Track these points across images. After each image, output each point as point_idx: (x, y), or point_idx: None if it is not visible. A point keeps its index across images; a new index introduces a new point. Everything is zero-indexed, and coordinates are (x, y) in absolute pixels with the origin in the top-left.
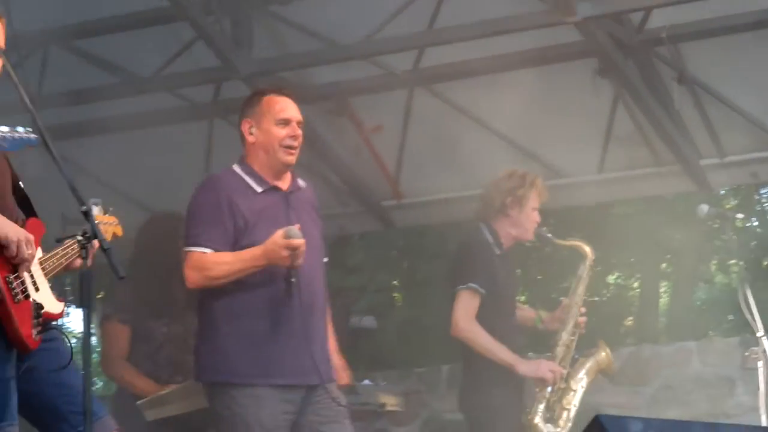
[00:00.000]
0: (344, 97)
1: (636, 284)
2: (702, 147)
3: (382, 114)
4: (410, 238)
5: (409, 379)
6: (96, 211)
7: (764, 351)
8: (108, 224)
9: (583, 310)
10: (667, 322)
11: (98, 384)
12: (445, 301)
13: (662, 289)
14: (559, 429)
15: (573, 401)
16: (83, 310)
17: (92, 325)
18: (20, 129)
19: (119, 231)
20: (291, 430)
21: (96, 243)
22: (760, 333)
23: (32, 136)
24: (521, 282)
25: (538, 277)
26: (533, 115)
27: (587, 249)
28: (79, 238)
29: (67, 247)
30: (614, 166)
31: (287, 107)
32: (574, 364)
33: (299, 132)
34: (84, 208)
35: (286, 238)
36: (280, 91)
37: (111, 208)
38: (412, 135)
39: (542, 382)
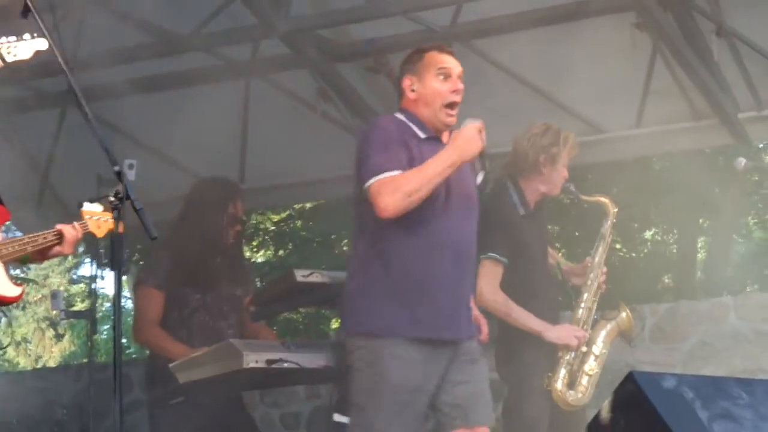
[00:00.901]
0: (382, 53)
1: (673, 240)
2: (741, 100)
3: None
4: None
5: None
6: (91, 207)
7: None
8: (102, 219)
9: (604, 269)
10: (704, 277)
11: (130, 349)
12: None
13: (700, 245)
14: (580, 395)
15: (595, 367)
16: (114, 273)
17: (125, 290)
18: (26, 36)
19: (113, 226)
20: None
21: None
22: None
23: (41, 39)
24: (559, 239)
25: (576, 234)
26: (571, 70)
27: (610, 205)
28: (111, 199)
29: (38, 235)
30: (652, 120)
31: (448, 61)
32: (594, 326)
33: (461, 86)
34: (117, 168)
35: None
36: (441, 48)
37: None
38: None
39: (567, 348)
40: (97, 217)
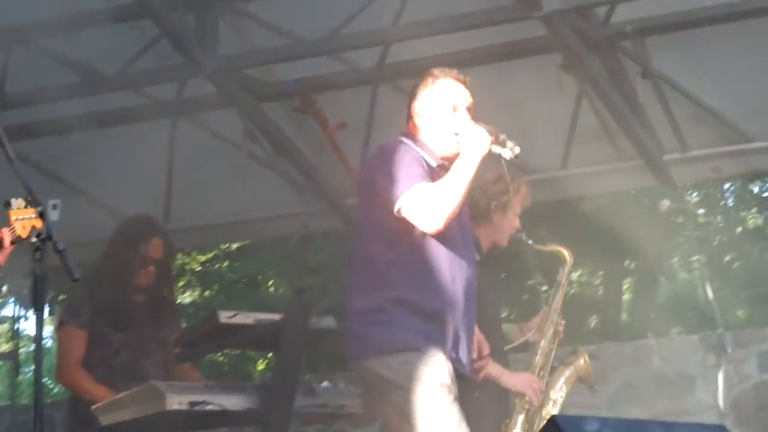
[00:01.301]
0: (309, 93)
1: (599, 281)
2: (666, 142)
3: (347, 111)
4: None
5: None
6: (16, 204)
7: (724, 348)
8: (25, 219)
9: (563, 321)
10: (629, 319)
11: (55, 390)
12: None
13: (625, 286)
14: None
15: (552, 411)
16: (36, 313)
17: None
18: None
19: (39, 224)
20: None
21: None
22: (720, 330)
23: None
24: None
25: (502, 275)
26: (497, 111)
27: (567, 254)
28: (33, 240)
29: None
30: (578, 161)
31: (459, 92)
32: (553, 373)
33: (468, 118)
34: (40, 208)
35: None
36: (455, 76)
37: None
38: (376, 132)
39: (522, 397)
40: (22, 216)
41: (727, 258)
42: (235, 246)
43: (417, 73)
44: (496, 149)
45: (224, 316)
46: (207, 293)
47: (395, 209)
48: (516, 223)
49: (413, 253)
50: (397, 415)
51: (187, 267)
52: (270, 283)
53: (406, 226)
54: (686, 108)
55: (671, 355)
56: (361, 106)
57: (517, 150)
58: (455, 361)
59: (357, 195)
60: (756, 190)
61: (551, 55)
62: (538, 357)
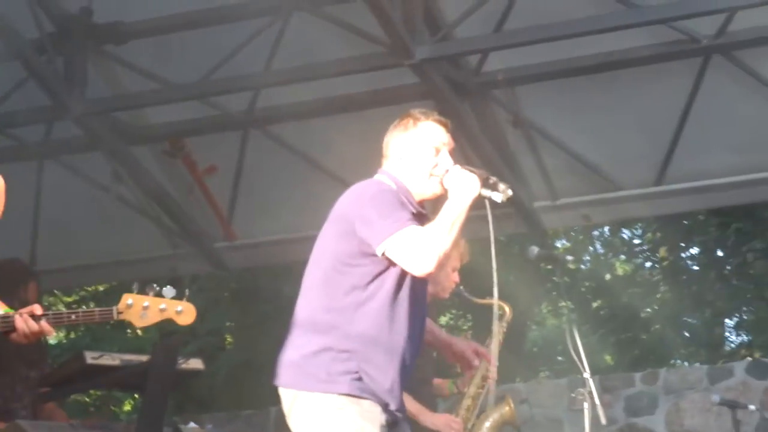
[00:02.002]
0: (178, 137)
1: (468, 326)
2: (536, 189)
3: (217, 155)
4: (243, 281)
5: (237, 421)
6: None
7: (590, 392)
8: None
9: (493, 368)
10: (498, 363)
11: None
12: (275, 344)
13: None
14: None
15: None
16: None
17: None
18: None
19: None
20: None
21: None
22: (586, 374)
23: None
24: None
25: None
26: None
27: (506, 308)
28: None
29: None
30: None
31: (441, 136)
32: (480, 416)
33: (450, 163)
34: None
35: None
36: (438, 119)
37: None
38: (246, 176)
39: None
40: None
41: (595, 304)
42: (102, 288)
43: (287, 118)
44: (486, 192)
45: (90, 357)
46: (73, 334)
47: (379, 250)
48: (455, 277)
49: (371, 296)
50: None
51: (53, 308)
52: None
53: (372, 267)
54: (556, 156)
55: (539, 398)
56: (230, 151)
57: (510, 192)
58: (389, 412)
59: (324, 230)
60: (626, 237)
61: (424, 101)
62: (465, 399)
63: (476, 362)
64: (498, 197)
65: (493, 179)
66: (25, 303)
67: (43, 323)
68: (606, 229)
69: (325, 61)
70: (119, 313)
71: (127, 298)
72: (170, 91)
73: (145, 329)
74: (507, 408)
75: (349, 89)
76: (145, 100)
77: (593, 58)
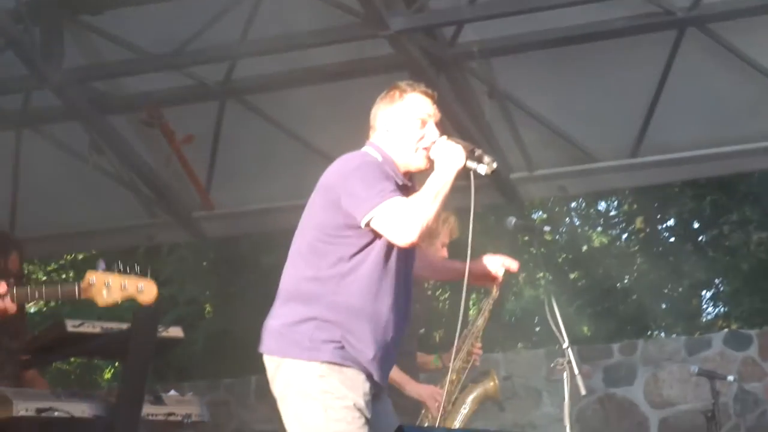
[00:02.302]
0: (156, 107)
1: (445, 296)
2: (513, 161)
3: (194, 124)
4: (222, 250)
5: (217, 389)
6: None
7: (569, 362)
8: None
9: (478, 344)
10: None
11: None
12: (255, 313)
13: (472, 302)
14: None
15: (455, 423)
16: None
17: None
18: None
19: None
20: None
21: None
22: (565, 344)
23: None
24: None
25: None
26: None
27: (494, 288)
28: None
29: None
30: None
31: (427, 107)
32: (463, 390)
33: (436, 134)
34: None
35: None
36: (424, 91)
37: None
38: (223, 146)
39: (427, 406)
40: None
41: (573, 276)
42: (81, 256)
43: (264, 88)
44: (472, 164)
45: (71, 325)
46: (52, 303)
47: (363, 221)
48: (444, 253)
49: (355, 267)
50: (296, 422)
51: (33, 276)
52: None
53: (357, 240)
54: (532, 127)
55: (518, 368)
56: (207, 121)
57: (495, 165)
58: (373, 381)
59: (311, 200)
60: (602, 208)
61: (399, 73)
62: (449, 374)
63: (500, 273)
64: (483, 169)
65: (478, 151)
66: (7, 274)
67: (7, 300)
68: (581, 200)
69: (300, 31)
70: (82, 290)
71: (90, 276)
72: (147, 61)
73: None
74: (491, 383)
75: (325, 60)
76: (122, 69)
77: (569, 29)
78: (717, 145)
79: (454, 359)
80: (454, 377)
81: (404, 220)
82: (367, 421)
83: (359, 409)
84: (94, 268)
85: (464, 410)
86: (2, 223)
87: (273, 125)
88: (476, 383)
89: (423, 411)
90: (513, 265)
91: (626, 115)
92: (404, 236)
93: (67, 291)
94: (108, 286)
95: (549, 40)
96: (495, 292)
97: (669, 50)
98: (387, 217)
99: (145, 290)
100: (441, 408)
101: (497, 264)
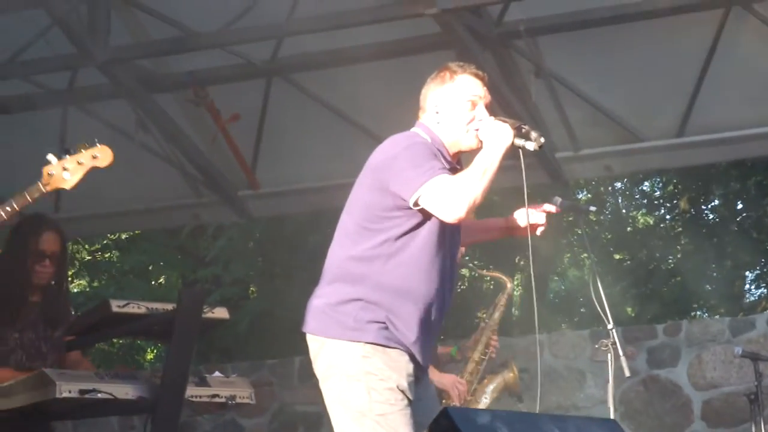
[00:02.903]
0: (202, 86)
1: (490, 276)
2: (558, 140)
3: (240, 103)
4: (267, 230)
5: (261, 370)
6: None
7: (614, 343)
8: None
9: (495, 337)
10: (520, 314)
11: None
12: (300, 293)
13: (516, 282)
14: None
15: None
16: None
17: None
18: None
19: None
20: None
21: None
22: (610, 326)
23: None
24: None
25: None
26: (391, 107)
27: (507, 280)
28: None
29: None
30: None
31: (478, 89)
32: (482, 380)
33: (486, 116)
34: None
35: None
36: (475, 73)
37: None
38: (269, 125)
39: (448, 395)
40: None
41: (617, 256)
42: (125, 236)
43: (310, 67)
44: (520, 142)
45: (116, 305)
46: (96, 283)
47: (412, 199)
48: (461, 248)
49: (402, 248)
50: (338, 403)
51: (77, 255)
52: (160, 274)
53: (405, 221)
54: (578, 107)
55: (561, 350)
56: (254, 99)
57: (542, 140)
58: (416, 363)
59: (359, 180)
60: (646, 189)
61: (445, 51)
62: (468, 364)
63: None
64: (531, 146)
65: (525, 128)
66: (39, 255)
67: None
68: (626, 181)
69: (347, 10)
70: (45, 185)
71: (47, 170)
72: (193, 39)
73: (169, 278)
74: (510, 374)
75: (371, 39)
76: (168, 47)
77: (615, 9)
78: (763, 125)
79: (474, 351)
80: (472, 368)
81: (452, 196)
82: (410, 403)
83: (402, 391)
84: (137, 249)
85: (485, 400)
86: (47, 202)
87: (319, 104)
88: (495, 374)
89: (444, 400)
90: (539, 219)
91: (672, 94)
92: (452, 212)
93: (33, 191)
94: (66, 169)
95: (595, 20)
96: (509, 287)
97: (715, 29)
98: (435, 193)
99: (101, 155)
100: (462, 397)
101: (523, 216)
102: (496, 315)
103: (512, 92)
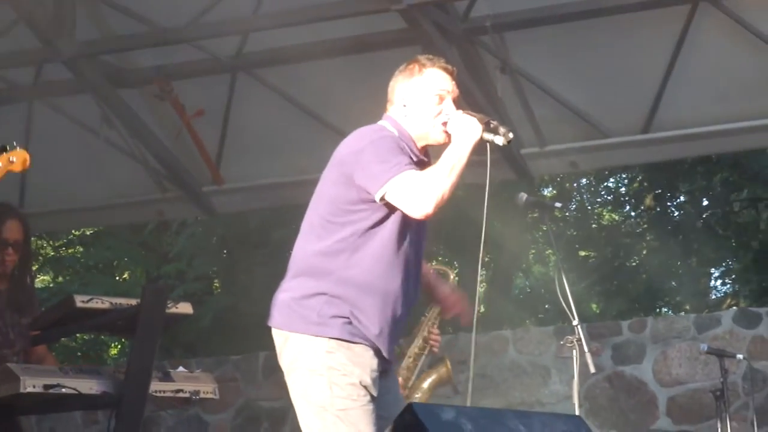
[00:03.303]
0: (167, 80)
1: (454, 273)
2: (524, 136)
3: (205, 99)
4: (231, 225)
5: (225, 366)
6: None
7: (579, 339)
8: None
9: (435, 330)
10: (484, 310)
11: None
12: (264, 288)
13: (480, 278)
14: None
15: None
16: None
17: None
18: None
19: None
20: None
21: None
22: (575, 322)
23: None
24: None
25: None
26: (356, 102)
27: (449, 273)
28: None
29: None
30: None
31: (446, 83)
32: (420, 375)
33: (453, 110)
34: None
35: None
36: (444, 66)
37: None
38: (234, 120)
39: None
40: None
41: (582, 253)
42: (89, 231)
43: (276, 62)
44: (488, 136)
45: (80, 300)
46: (60, 279)
47: (378, 194)
48: None
49: (366, 242)
50: (302, 397)
51: (41, 251)
52: (125, 269)
53: (370, 214)
54: (544, 103)
55: (526, 346)
56: (219, 94)
57: (510, 135)
58: (381, 357)
59: (325, 174)
60: (612, 186)
61: (411, 47)
62: (405, 359)
63: (456, 309)
64: (500, 140)
65: (494, 123)
66: (2, 243)
67: None
68: (591, 177)
69: (313, 5)
70: None
71: None
72: (159, 34)
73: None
74: (444, 368)
75: (337, 34)
76: (134, 42)
77: (582, 4)
78: (729, 121)
79: (410, 345)
80: (410, 363)
81: (420, 193)
82: (373, 399)
83: (365, 386)
84: (102, 244)
85: (417, 396)
86: (11, 196)
87: (284, 99)
88: (431, 369)
89: None
90: (460, 312)
91: (638, 90)
92: (420, 208)
93: None
94: None
95: (561, 15)
96: (451, 279)
97: (682, 25)
98: (402, 189)
99: (17, 159)
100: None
101: (453, 299)
102: (435, 311)
103: (478, 88)
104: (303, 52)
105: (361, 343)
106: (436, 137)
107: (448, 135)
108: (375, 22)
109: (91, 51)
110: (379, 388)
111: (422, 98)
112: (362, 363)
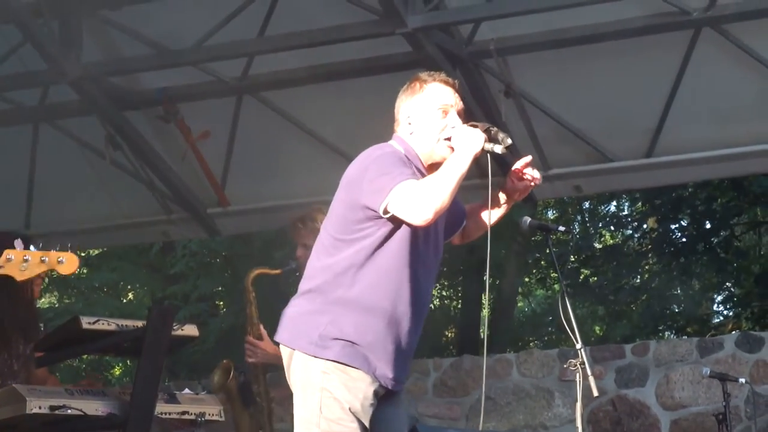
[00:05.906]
0: (172, 103)
1: (458, 295)
2: None
3: (210, 121)
4: (235, 246)
5: None
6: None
7: (582, 363)
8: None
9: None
10: (488, 333)
11: None
12: (267, 309)
13: (484, 301)
14: None
15: None
16: None
17: None
18: None
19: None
20: None
21: None
22: (579, 345)
23: None
24: None
25: None
26: (361, 125)
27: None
28: None
29: None
30: None
31: (449, 97)
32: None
33: (459, 124)
34: None
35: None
36: (445, 80)
37: None
38: (239, 142)
39: None
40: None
41: (584, 275)
42: (94, 252)
43: (281, 85)
44: (488, 146)
45: (86, 322)
46: (66, 299)
47: (381, 207)
48: (299, 252)
49: (372, 261)
50: (297, 411)
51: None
52: (130, 290)
53: (376, 231)
54: (548, 126)
55: (530, 369)
56: (224, 117)
57: (509, 141)
58: (386, 380)
59: (336, 194)
60: (613, 209)
61: (416, 70)
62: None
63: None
64: (498, 149)
65: (494, 130)
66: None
67: None
68: (594, 200)
69: (318, 28)
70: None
71: (8, 254)
72: (165, 56)
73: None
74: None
75: (342, 57)
76: (139, 64)
77: (585, 29)
78: (730, 146)
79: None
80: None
81: (419, 199)
82: (362, 426)
83: (354, 413)
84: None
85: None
86: (18, 218)
87: (289, 122)
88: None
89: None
90: (535, 173)
91: (641, 114)
92: (419, 215)
93: None
94: (26, 261)
95: (565, 39)
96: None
97: (684, 50)
98: (402, 197)
99: (67, 262)
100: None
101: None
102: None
103: (482, 111)
104: (308, 75)
105: (359, 369)
106: (442, 153)
107: (453, 150)
108: (380, 46)
109: (96, 73)
110: (384, 414)
111: (426, 114)
112: (356, 388)
